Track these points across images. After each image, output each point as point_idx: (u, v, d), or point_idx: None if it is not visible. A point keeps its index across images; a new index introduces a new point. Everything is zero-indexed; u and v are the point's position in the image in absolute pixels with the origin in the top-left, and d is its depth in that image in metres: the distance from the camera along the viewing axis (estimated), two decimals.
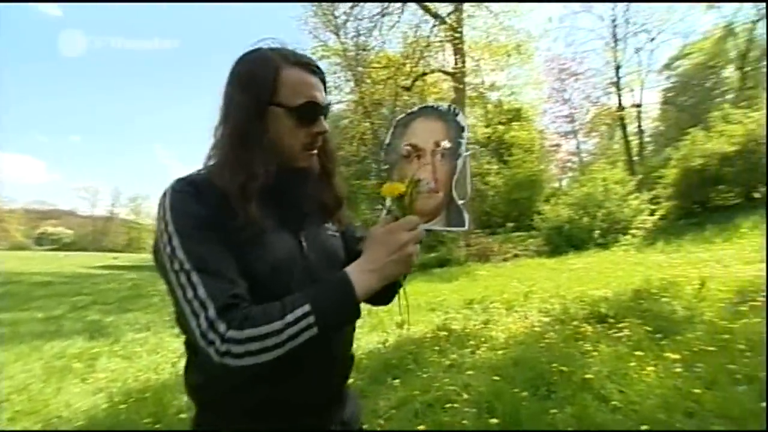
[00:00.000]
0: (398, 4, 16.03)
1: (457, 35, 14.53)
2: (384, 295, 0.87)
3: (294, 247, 0.80)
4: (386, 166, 0.87)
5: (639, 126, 31.43)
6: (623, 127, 30.52)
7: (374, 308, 0.98)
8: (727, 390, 2.30)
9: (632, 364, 2.74)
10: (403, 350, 3.99)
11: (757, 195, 10.95)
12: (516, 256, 15.79)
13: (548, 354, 3.23)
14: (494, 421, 2.36)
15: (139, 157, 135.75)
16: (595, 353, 3.04)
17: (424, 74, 16.74)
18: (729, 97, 30.40)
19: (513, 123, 30.59)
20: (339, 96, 23.46)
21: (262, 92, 0.76)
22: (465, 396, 2.74)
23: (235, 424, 0.78)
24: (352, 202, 31.45)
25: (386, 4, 16.10)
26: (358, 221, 33.44)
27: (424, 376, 3.23)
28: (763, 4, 11.06)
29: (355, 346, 3.29)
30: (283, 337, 0.64)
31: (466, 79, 17.80)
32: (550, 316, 4.63)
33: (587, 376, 2.66)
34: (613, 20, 28.84)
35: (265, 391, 0.76)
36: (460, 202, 0.79)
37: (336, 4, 17.58)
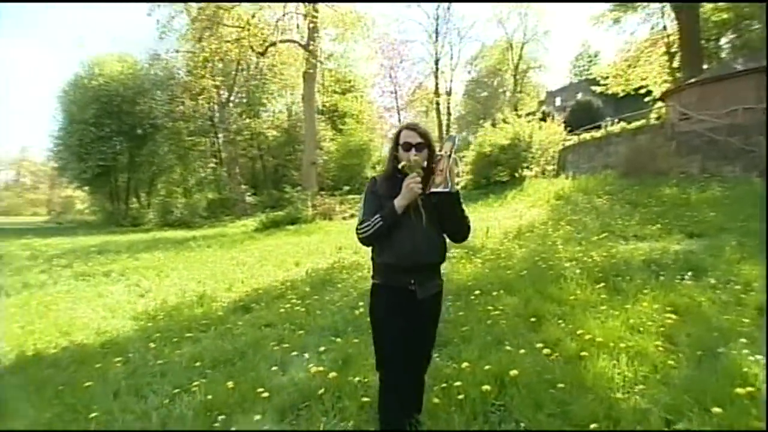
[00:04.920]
0: None
1: (315, 13, 15.59)
2: (459, 234, 1.93)
3: None
4: (438, 159, 1.78)
5: (448, 109, 38.41)
6: (437, 108, 36.83)
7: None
8: (499, 271, 4.97)
9: (460, 266, 5.29)
10: (322, 273, 5.81)
11: (516, 175, 16.12)
12: (353, 216, 18.66)
13: None
14: None
15: None
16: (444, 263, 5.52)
17: (283, 41, 17.25)
18: (507, 95, 40.25)
19: (347, 94, 33.25)
20: (178, 45, 21.52)
21: (395, 141, 1.87)
22: None
23: (379, 275, 1.90)
24: (183, 158, 29.27)
25: None
26: (191, 180, 31.23)
27: (348, 283, 5.17)
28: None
29: (286, 275, 5.58)
30: (371, 226, 1.75)
31: (310, 46, 18.52)
32: None
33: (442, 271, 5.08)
34: (436, 18, 34.20)
35: (384, 260, 1.84)
36: (456, 179, 1.77)
37: None
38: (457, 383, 2.25)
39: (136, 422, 2.32)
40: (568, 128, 18.91)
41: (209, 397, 2.49)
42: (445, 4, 34.05)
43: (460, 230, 1.89)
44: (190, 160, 29.41)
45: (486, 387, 2.17)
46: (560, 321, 3.27)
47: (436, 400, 2.15)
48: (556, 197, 10.83)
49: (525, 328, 3.20)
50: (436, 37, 34.74)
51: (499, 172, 16.00)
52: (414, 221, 1.76)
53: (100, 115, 23.85)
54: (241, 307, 4.48)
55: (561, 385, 2.19)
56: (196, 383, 2.70)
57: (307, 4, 16.45)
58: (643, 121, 14.79)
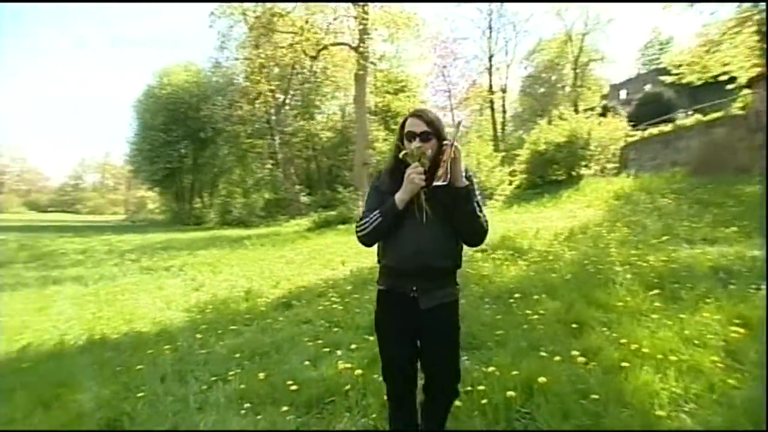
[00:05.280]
0: None
1: (365, 15, 15.79)
2: (470, 235, 1.65)
3: None
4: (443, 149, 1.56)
5: (503, 107, 37.17)
6: (491, 106, 35.77)
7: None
8: (543, 274, 4.74)
9: (503, 268, 5.10)
10: (365, 273, 5.87)
11: (573, 173, 15.23)
12: None
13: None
14: None
15: None
16: (487, 264, 5.36)
17: (334, 44, 17.69)
18: (567, 90, 38.20)
19: (399, 94, 33.27)
20: (237, 53, 22.80)
21: (400, 131, 1.65)
22: None
23: (382, 279, 1.76)
24: (242, 160, 30.88)
25: None
26: (249, 180, 32.87)
27: None
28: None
29: (331, 274, 5.62)
30: (369, 223, 1.58)
31: (360, 48, 18.64)
32: None
33: (484, 273, 4.94)
34: (490, 13, 33.24)
35: (385, 262, 1.70)
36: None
37: None
38: (482, 387, 2.17)
39: (176, 404, 2.49)
40: (632, 123, 17.54)
41: (243, 386, 2.62)
42: None
43: (470, 231, 1.62)
44: (248, 162, 30.97)
45: (511, 393, 2.08)
46: (604, 328, 3.05)
47: (458, 403, 2.09)
48: (615, 197, 10.12)
49: (564, 335, 3.02)
50: (490, 32, 33.70)
51: (555, 171, 15.24)
52: (419, 219, 1.56)
53: (168, 121, 25.97)
54: (283, 304, 4.67)
55: (595, 397, 2.05)
56: (232, 373, 2.85)
57: (357, 5, 16.71)
58: (721, 113, 13.28)
